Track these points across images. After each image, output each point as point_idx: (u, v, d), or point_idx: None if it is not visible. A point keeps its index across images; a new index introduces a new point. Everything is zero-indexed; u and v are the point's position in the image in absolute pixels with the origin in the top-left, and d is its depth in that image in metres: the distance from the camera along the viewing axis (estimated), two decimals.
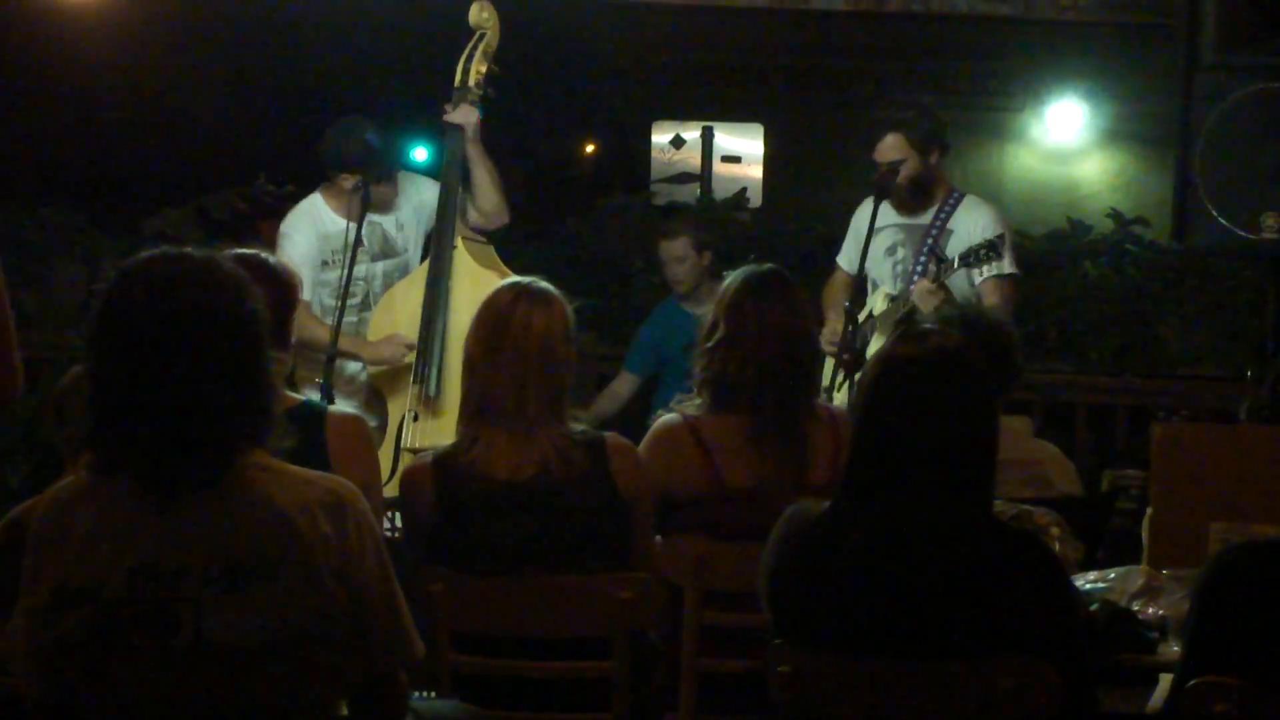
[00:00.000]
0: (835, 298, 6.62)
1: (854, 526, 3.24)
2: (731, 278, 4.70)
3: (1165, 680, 3.49)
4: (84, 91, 10.27)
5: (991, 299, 6.23)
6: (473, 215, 6.39)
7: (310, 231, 6.40)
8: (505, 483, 4.10)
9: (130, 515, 2.87)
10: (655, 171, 11.66)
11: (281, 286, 4.14)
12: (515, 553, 4.05)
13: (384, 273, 6.50)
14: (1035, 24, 9.39)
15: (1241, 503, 4.30)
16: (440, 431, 5.74)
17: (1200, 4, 6.75)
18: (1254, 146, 6.49)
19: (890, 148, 6.46)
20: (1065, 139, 11.66)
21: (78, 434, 2.94)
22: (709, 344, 4.59)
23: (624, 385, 7.85)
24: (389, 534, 4.39)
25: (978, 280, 6.27)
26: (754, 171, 11.57)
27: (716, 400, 4.56)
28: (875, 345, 6.15)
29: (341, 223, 6.32)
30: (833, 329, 6.37)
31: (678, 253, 7.61)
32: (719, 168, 11.56)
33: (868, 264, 6.59)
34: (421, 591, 3.87)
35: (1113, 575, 4.05)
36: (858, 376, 5.97)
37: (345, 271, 6.11)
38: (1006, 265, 6.21)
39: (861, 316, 6.52)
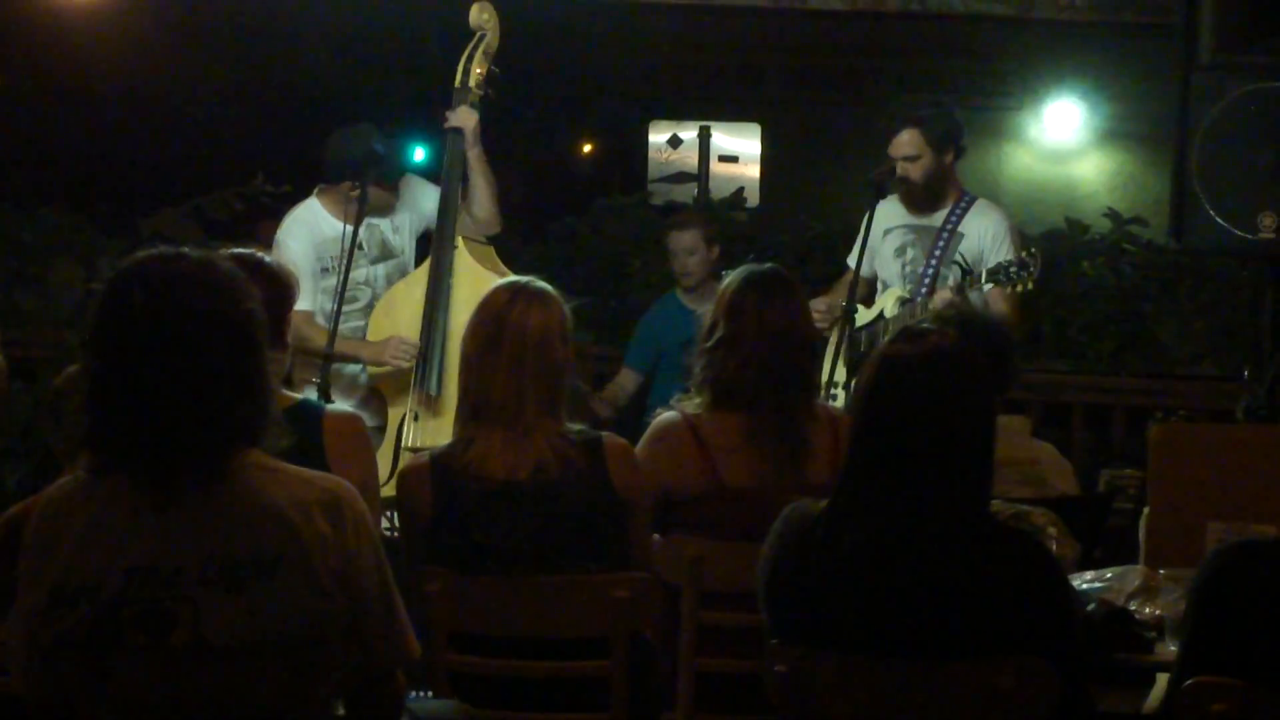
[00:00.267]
0: (837, 297, 6.60)
1: (851, 526, 3.24)
2: (731, 277, 4.70)
3: (1162, 680, 3.50)
4: (82, 92, 10.26)
5: (1000, 305, 6.22)
6: (465, 222, 6.37)
7: (307, 238, 6.38)
8: (502, 482, 4.09)
9: (128, 515, 2.87)
10: (652, 171, 11.66)
11: (278, 286, 4.13)
12: (512, 552, 4.05)
13: (385, 275, 6.49)
14: (1033, 24, 9.38)
15: (1239, 502, 4.30)
16: (441, 431, 5.73)
17: (1198, 3, 6.74)
18: (1252, 146, 6.48)
19: (905, 143, 6.44)
20: (1063, 138, 11.68)
21: (75, 434, 2.93)
22: (708, 343, 4.59)
23: (628, 380, 7.83)
24: (388, 533, 4.39)
25: (987, 287, 6.25)
26: (751, 171, 11.57)
27: (716, 399, 4.56)
28: None
29: (339, 226, 6.30)
30: (827, 303, 6.36)
31: (688, 244, 7.52)
32: (716, 167, 11.55)
33: (877, 263, 6.59)
34: (418, 591, 3.87)
35: (1110, 575, 4.05)
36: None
37: (342, 275, 6.10)
38: (1030, 284, 6.17)
39: (871, 315, 6.52)
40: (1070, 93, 11.45)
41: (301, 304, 5.89)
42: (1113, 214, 8.87)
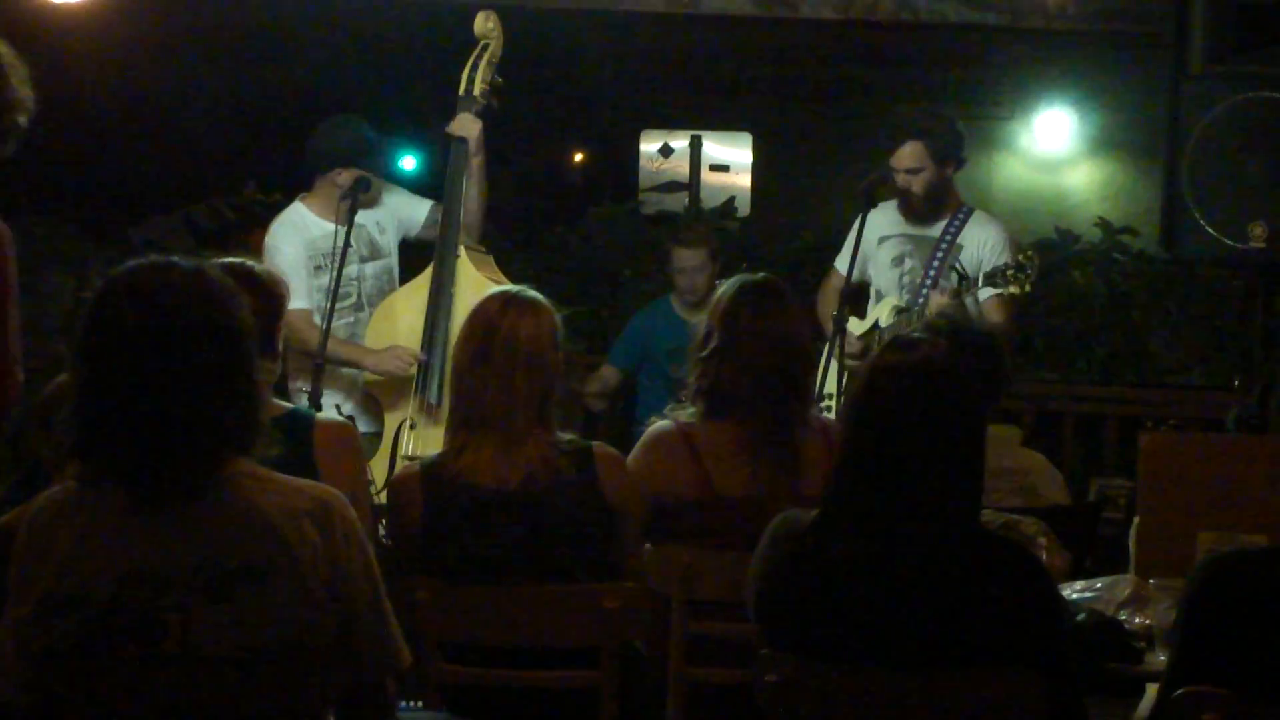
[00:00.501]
0: (832, 305, 6.59)
1: (842, 536, 3.24)
2: (725, 286, 4.69)
3: (1152, 690, 3.50)
4: (72, 100, 10.25)
5: (995, 317, 6.22)
6: None
7: (297, 240, 6.37)
8: (493, 491, 4.09)
9: (117, 524, 2.87)
10: (643, 180, 11.64)
11: (269, 295, 4.13)
12: (502, 562, 4.05)
13: (373, 274, 6.48)
14: (1024, 33, 9.39)
15: (1229, 512, 4.30)
16: (439, 440, 5.72)
17: (1188, 14, 6.77)
18: (1241, 156, 6.51)
19: (908, 156, 6.42)
20: (1053, 148, 11.67)
21: (64, 443, 2.93)
22: (703, 352, 4.58)
23: (610, 376, 7.83)
24: (383, 541, 4.39)
25: (983, 297, 6.25)
26: (742, 180, 11.55)
27: (710, 408, 4.56)
28: None
29: (327, 226, 6.28)
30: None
31: (697, 262, 7.47)
32: (707, 176, 11.53)
33: (871, 271, 6.59)
34: (409, 600, 3.87)
35: (1100, 585, 4.06)
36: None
37: (335, 274, 6.08)
38: (1028, 286, 6.15)
39: (866, 325, 6.52)
40: (1061, 102, 11.44)
41: (299, 302, 5.91)
42: (1103, 223, 8.88)
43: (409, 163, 8.30)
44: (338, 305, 6.11)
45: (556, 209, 10.21)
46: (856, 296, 6.53)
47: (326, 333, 5.96)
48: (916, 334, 3.62)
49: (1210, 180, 6.57)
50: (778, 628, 3.30)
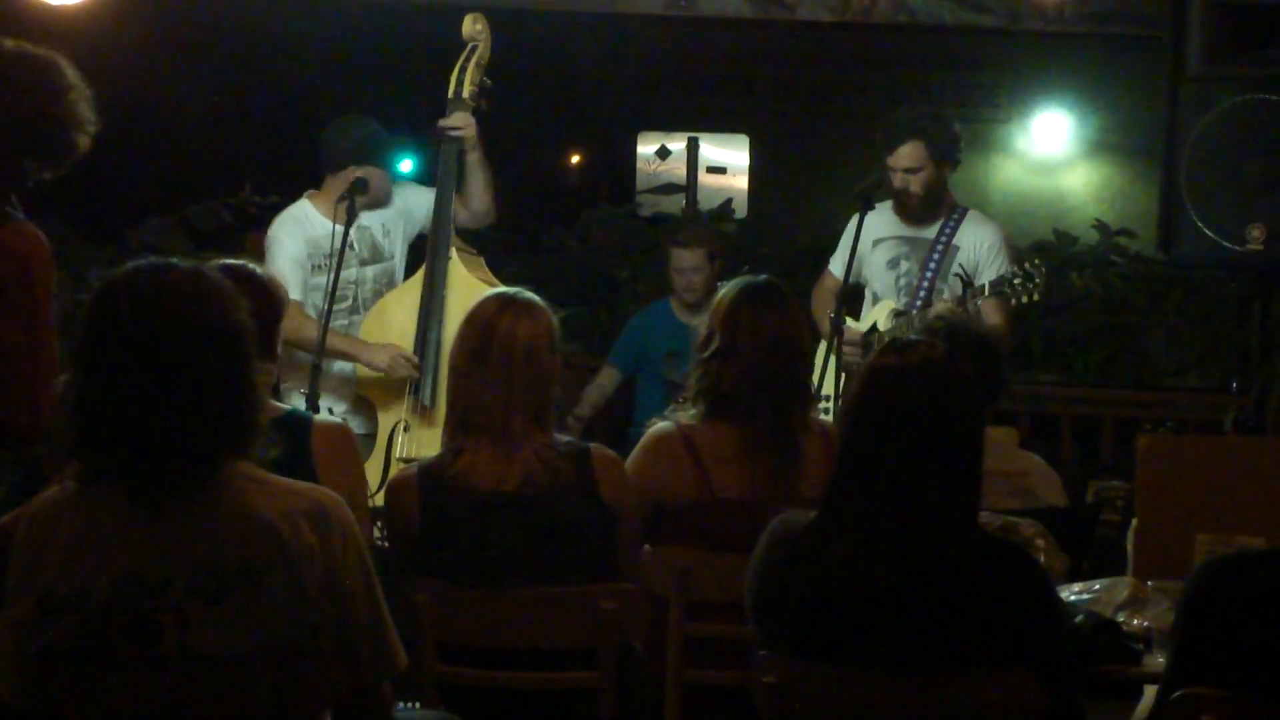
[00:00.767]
0: (826, 306, 6.57)
1: (839, 537, 3.24)
2: (727, 288, 4.68)
3: (1150, 691, 3.49)
4: None
5: (994, 319, 6.21)
6: (460, 215, 6.38)
7: (299, 235, 6.36)
8: (490, 493, 4.09)
9: (115, 525, 2.87)
10: (641, 182, 11.66)
11: (267, 296, 4.13)
12: (500, 563, 4.05)
13: (373, 277, 6.47)
14: (1021, 35, 9.40)
15: (1227, 514, 4.29)
16: (433, 442, 5.69)
17: (1186, 15, 6.76)
18: (1239, 158, 6.50)
19: (908, 155, 6.40)
20: (1051, 150, 11.69)
21: (63, 444, 2.93)
22: (704, 354, 4.58)
23: (608, 379, 7.82)
24: (379, 543, 4.38)
25: (980, 299, 6.24)
26: (739, 182, 11.57)
27: (711, 410, 4.55)
28: None
29: (330, 226, 6.27)
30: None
31: (694, 262, 7.43)
32: (704, 178, 11.55)
33: (866, 274, 6.58)
34: (406, 602, 3.86)
35: (1098, 586, 4.05)
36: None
37: (333, 274, 6.07)
38: (1037, 295, 6.14)
39: (864, 326, 6.51)
40: (1058, 104, 11.46)
41: (292, 294, 5.89)
42: (1101, 226, 8.88)
43: (405, 165, 8.28)
44: (335, 307, 6.10)
45: (553, 211, 10.22)
46: (851, 298, 6.52)
47: (324, 335, 5.95)
48: (915, 336, 3.62)
49: (1208, 182, 6.55)
50: (775, 629, 3.31)
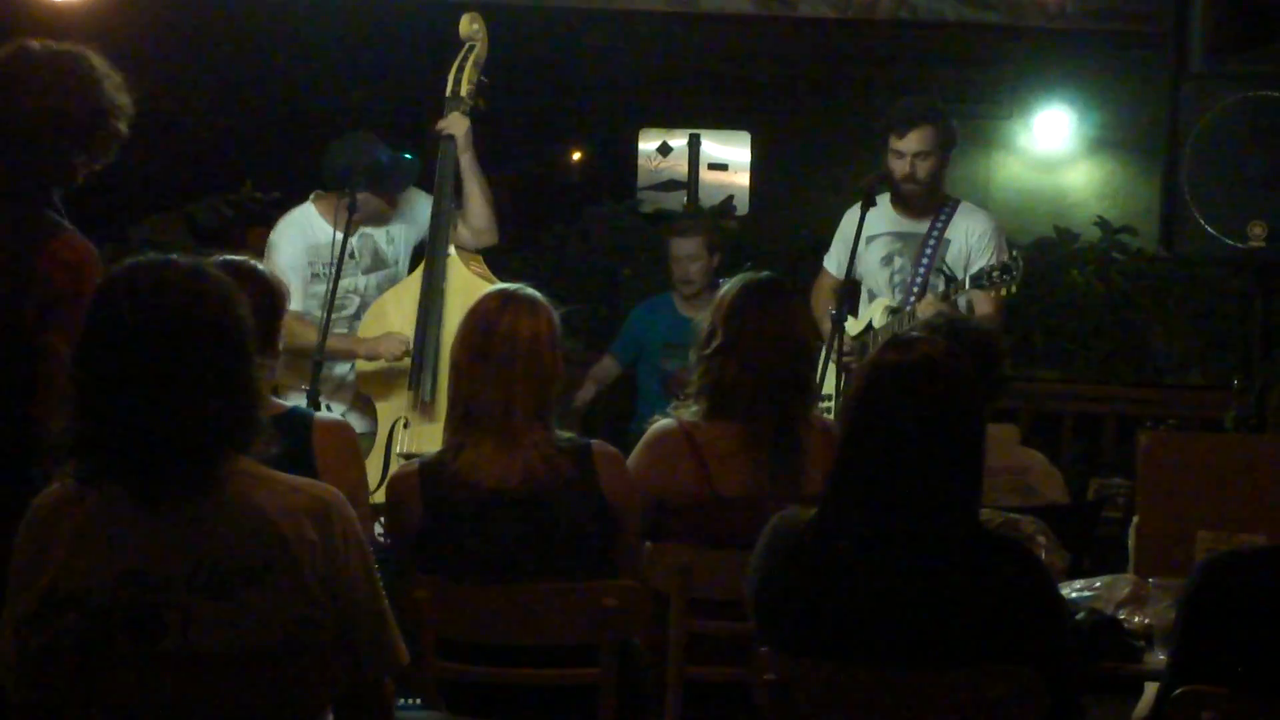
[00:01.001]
0: (824, 304, 6.57)
1: (840, 534, 3.24)
2: (729, 285, 4.68)
3: (1151, 689, 3.50)
4: None
5: (984, 308, 6.21)
6: (463, 233, 6.34)
7: (299, 242, 6.35)
8: (492, 490, 4.09)
9: (117, 521, 2.87)
10: (642, 179, 11.64)
11: (269, 293, 4.13)
12: (501, 560, 4.05)
13: (375, 285, 6.46)
14: (1023, 32, 9.40)
15: (1228, 511, 4.30)
16: (432, 438, 5.71)
17: (1187, 12, 6.77)
18: (1241, 155, 6.50)
19: (918, 139, 6.39)
20: (1052, 147, 11.66)
21: (64, 441, 2.93)
22: (707, 351, 4.58)
23: (609, 365, 7.84)
24: (381, 539, 4.39)
25: (971, 293, 6.23)
26: (741, 179, 11.55)
27: (713, 406, 4.55)
28: None
29: (332, 232, 6.24)
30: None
31: (691, 251, 7.48)
32: (706, 175, 11.53)
33: (862, 272, 6.57)
34: (407, 599, 3.86)
35: (1099, 584, 4.05)
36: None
37: (331, 283, 6.06)
38: (1015, 287, 6.14)
39: (860, 326, 6.51)
40: (1060, 101, 11.43)
41: (291, 304, 5.88)
42: (1102, 223, 8.88)
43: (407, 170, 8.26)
44: (336, 315, 6.10)
45: (555, 207, 10.21)
46: (850, 295, 6.52)
47: (323, 343, 5.94)
48: (915, 333, 3.62)
49: (1210, 179, 6.56)
50: (776, 626, 3.30)
